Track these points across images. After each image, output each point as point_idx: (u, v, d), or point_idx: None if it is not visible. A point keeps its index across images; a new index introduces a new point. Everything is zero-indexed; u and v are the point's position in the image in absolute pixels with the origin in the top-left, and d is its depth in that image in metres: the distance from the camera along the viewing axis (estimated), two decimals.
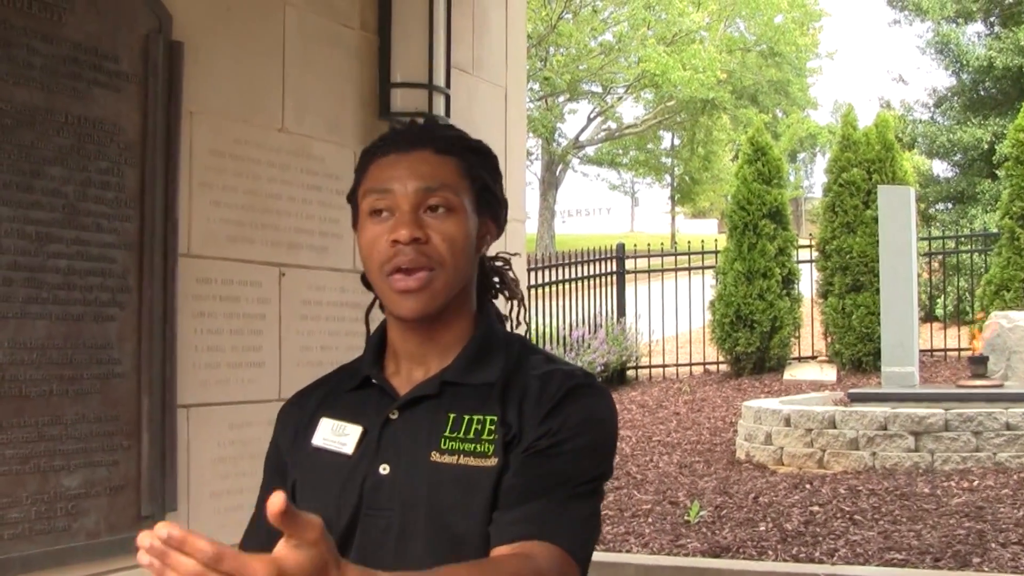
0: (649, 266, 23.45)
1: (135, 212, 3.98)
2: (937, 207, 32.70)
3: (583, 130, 49.94)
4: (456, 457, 2.25)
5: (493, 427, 2.26)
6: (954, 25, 33.50)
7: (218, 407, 4.39)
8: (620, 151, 54.08)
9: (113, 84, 3.93)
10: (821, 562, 8.50)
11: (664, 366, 21.21)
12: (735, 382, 19.42)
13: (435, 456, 2.25)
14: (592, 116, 49.77)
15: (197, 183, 4.28)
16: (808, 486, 11.40)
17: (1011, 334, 15.45)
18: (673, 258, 23.93)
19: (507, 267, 2.58)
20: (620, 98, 48.86)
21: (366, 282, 2.45)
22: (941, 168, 34.65)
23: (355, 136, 5.12)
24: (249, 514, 4.50)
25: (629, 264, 23.08)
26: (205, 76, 4.33)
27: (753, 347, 19.55)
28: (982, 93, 32.77)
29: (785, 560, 8.61)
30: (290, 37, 4.79)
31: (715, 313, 20.06)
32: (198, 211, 4.28)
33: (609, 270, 22.53)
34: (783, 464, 12.78)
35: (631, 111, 66.85)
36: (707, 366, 21.17)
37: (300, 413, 2.46)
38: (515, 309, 2.57)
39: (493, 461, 2.24)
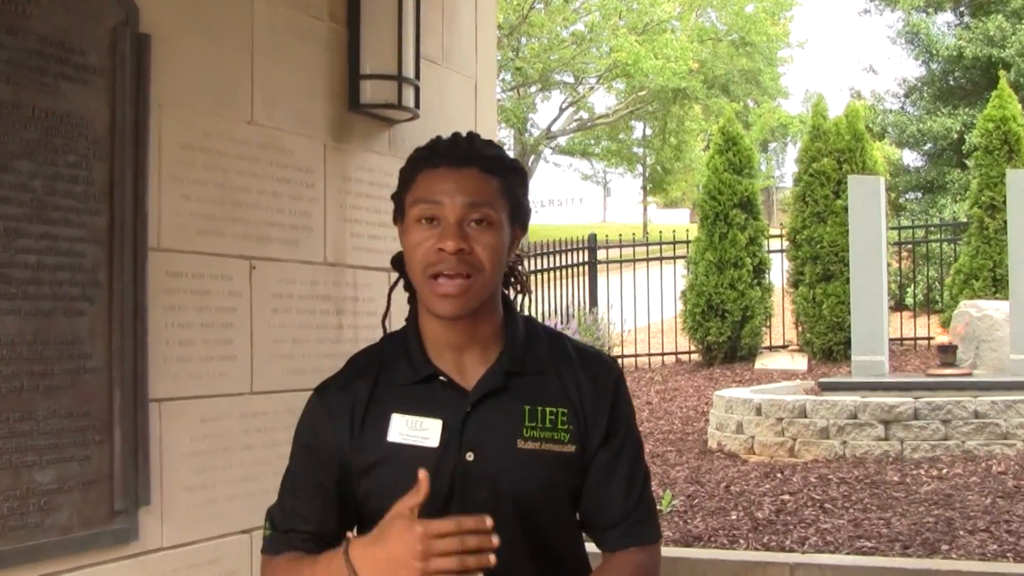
0: (621, 256, 23.48)
1: (104, 206, 3.97)
2: (907, 196, 32.79)
3: (555, 120, 49.94)
4: (539, 444, 2.67)
5: (565, 418, 2.70)
6: (924, 15, 33.62)
7: (190, 401, 4.38)
8: (592, 141, 54.09)
9: (80, 77, 3.91)
10: (792, 550, 8.51)
11: (636, 356, 21.24)
12: (707, 371, 19.47)
13: (520, 444, 2.65)
14: (564, 106, 49.74)
15: (167, 176, 4.27)
16: (779, 475, 11.42)
17: (980, 323, 15.52)
18: (645, 248, 23.96)
19: (519, 264, 2.92)
20: (592, 88, 48.84)
21: (396, 265, 2.80)
22: (911, 158, 34.82)
23: (325, 128, 5.12)
24: (223, 508, 4.51)
25: (601, 254, 23.09)
26: (174, 69, 4.31)
27: (724, 336, 19.61)
28: (951, 83, 32.87)
29: (756, 549, 8.63)
30: (259, 29, 4.78)
31: (687, 303, 20.11)
32: (168, 205, 4.28)
33: (581, 260, 22.58)
34: (754, 453, 12.81)
35: (603, 101, 67.06)
36: (679, 356, 21.23)
37: (350, 404, 2.73)
38: (521, 300, 2.93)
39: (571, 448, 2.69)
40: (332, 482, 2.71)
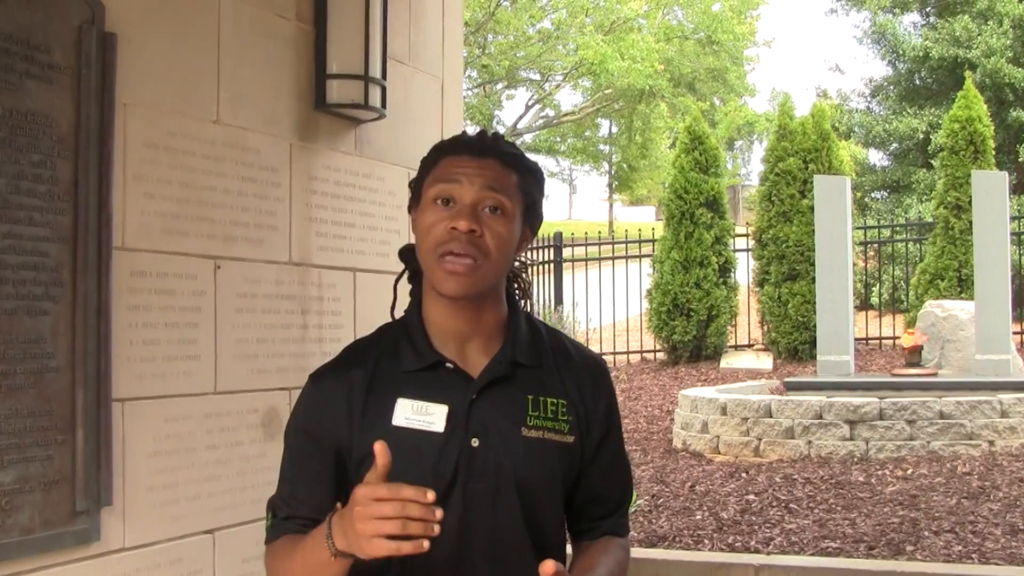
0: (587, 254, 23.47)
1: (68, 205, 3.95)
2: (873, 196, 32.93)
3: (521, 117, 49.94)
4: (541, 432, 2.72)
5: (565, 409, 2.76)
6: (890, 15, 33.75)
7: (153, 401, 4.36)
8: (558, 139, 54.03)
9: (45, 76, 3.89)
10: (757, 551, 8.53)
11: (601, 354, 21.16)
12: (672, 370, 19.48)
13: (525, 432, 2.70)
14: (530, 103, 49.78)
15: (131, 176, 4.25)
16: (744, 475, 11.45)
17: (945, 323, 15.58)
18: (611, 246, 23.96)
19: (523, 270, 2.97)
20: (558, 86, 48.87)
21: (404, 257, 2.86)
22: (877, 157, 34.94)
23: (291, 128, 5.10)
24: (185, 508, 4.49)
25: (567, 252, 23.08)
26: (139, 68, 4.29)
27: (690, 335, 19.63)
28: (917, 83, 33.03)
29: (721, 549, 8.64)
30: (225, 28, 4.76)
31: (652, 301, 20.13)
32: (132, 204, 4.25)
33: (547, 258, 22.55)
34: (720, 453, 12.84)
35: (569, 99, 67.01)
36: (644, 354, 21.24)
37: (346, 390, 2.73)
38: (524, 305, 2.94)
39: (571, 439, 2.76)
40: (331, 468, 2.72)
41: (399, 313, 2.89)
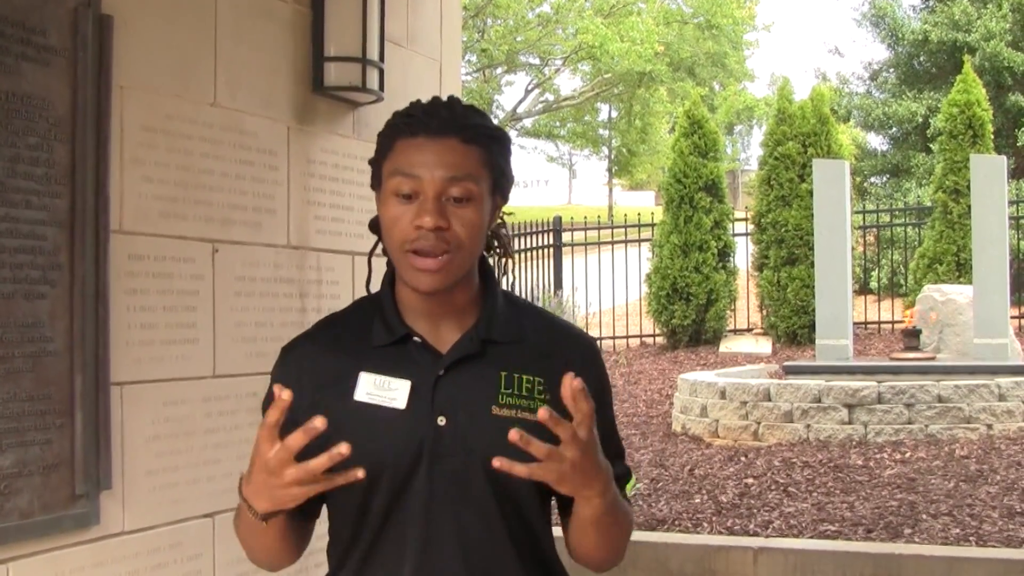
0: (586, 239, 23.45)
1: (65, 189, 3.93)
2: (872, 180, 32.88)
3: (521, 102, 49.85)
4: (514, 411, 2.56)
5: (542, 388, 2.60)
6: None
7: (152, 384, 4.36)
8: (558, 123, 54.00)
9: (41, 58, 3.87)
10: (756, 534, 8.53)
11: (601, 339, 21.19)
12: (671, 354, 19.48)
13: (495, 410, 2.55)
14: (530, 88, 49.70)
15: (128, 159, 4.24)
16: (743, 458, 11.45)
17: (944, 307, 15.58)
18: (610, 231, 23.95)
19: (502, 226, 2.81)
20: (557, 70, 48.82)
21: (374, 228, 2.70)
22: (876, 141, 34.86)
23: (288, 110, 5.09)
24: (184, 492, 4.49)
25: (566, 237, 23.06)
26: (136, 50, 4.28)
27: (689, 320, 19.62)
28: (917, 67, 32.95)
29: (720, 532, 8.65)
30: (222, 10, 4.74)
31: (651, 286, 20.12)
32: (130, 187, 4.25)
33: (546, 243, 22.53)
34: (719, 437, 12.84)
35: (569, 83, 66.96)
36: (643, 339, 21.22)
37: (311, 361, 2.67)
38: (504, 263, 2.86)
39: None
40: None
41: (375, 287, 2.79)
